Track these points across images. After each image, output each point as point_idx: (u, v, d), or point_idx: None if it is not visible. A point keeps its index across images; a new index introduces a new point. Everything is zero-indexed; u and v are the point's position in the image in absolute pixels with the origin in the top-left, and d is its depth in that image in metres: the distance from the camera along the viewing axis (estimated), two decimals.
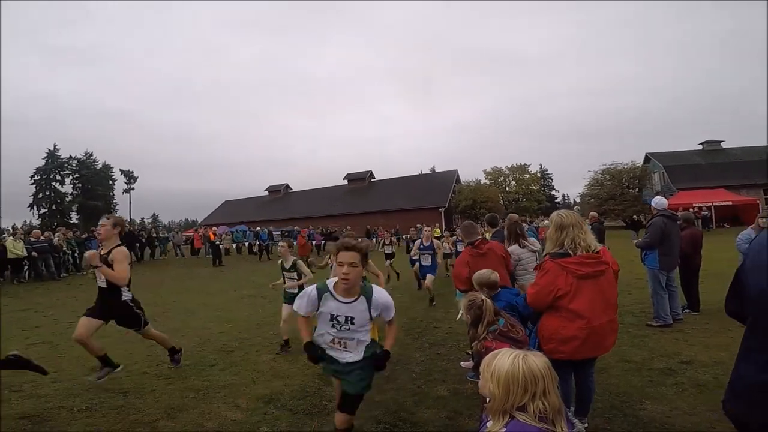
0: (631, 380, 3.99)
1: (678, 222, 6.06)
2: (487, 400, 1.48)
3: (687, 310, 6.34)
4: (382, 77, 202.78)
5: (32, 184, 51.77)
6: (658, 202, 6.16)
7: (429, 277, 8.19)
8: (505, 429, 1.38)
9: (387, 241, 12.38)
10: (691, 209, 14.13)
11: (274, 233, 25.96)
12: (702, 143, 36.63)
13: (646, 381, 3.96)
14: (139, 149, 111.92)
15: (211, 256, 19.60)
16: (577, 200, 49.35)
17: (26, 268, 13.99)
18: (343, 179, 47.17)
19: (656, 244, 5.84)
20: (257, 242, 23.29)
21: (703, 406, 3.37)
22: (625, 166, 34.52)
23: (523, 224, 6.92)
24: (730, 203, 27.61)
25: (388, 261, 11.44)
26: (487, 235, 5.73)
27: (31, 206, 51.85)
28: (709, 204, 26.71)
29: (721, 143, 36.27)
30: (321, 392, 4.00)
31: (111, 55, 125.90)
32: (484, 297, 2.65)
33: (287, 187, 51.66)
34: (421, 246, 8.47)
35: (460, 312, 2.75)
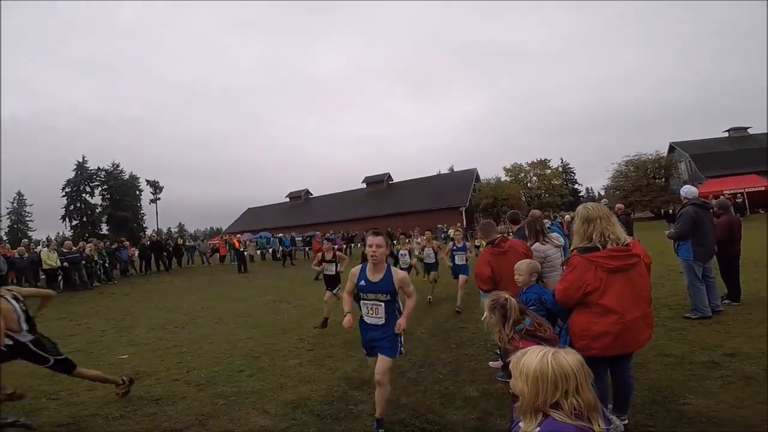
0: (672, 375, 3.83)
1: (710, 210, 5.81)
2: (519, 398, 1.44)
3: (727, 301, 6.05)
4: (392, 77, 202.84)
5: (63, 196, 53.66)
6: (688, 191, 5.95)
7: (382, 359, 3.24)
8: (539, 428, 1.33)
9: (329, 257, 7.36)
10: (721, 196, 13.61)
11: (296, 239, 26.23)
12: (728, 130, 35.48)
13: (688, 375, 3.80)
14: (163, 158, 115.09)
15: (236, 263, 19.89)
16: (602, 193, 48.25)
17: (60, 278, 14.47)
18: (362, 182, 47.36)
19: (688, 234, 5.63)
20: (281, 248, 23.54)
21: (751, 399, 3.22)
22: (650, 157, 33.67)
23: (546, 220, 6.74)
24: (763, 188, 26.50)
25: (331, 290, 7.09)
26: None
27: (63, 218, 53.80)
28: (741, 190, 25.69)
29: (748, 129, 34.93)
30: (347, 397, 3.98)
31: (129, 65, 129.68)
32: (507, 296, 2.58)
33: (308, 192, 52.23)
34: (363, 282, 3.36)
35: (485, 312, 2.66)
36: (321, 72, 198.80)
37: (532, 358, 1.38)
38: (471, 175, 41.85)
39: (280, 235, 26.37)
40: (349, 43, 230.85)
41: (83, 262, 14.90)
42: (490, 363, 4.49)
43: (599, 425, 1.33)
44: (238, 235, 25.65)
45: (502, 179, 45.55)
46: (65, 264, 14.29)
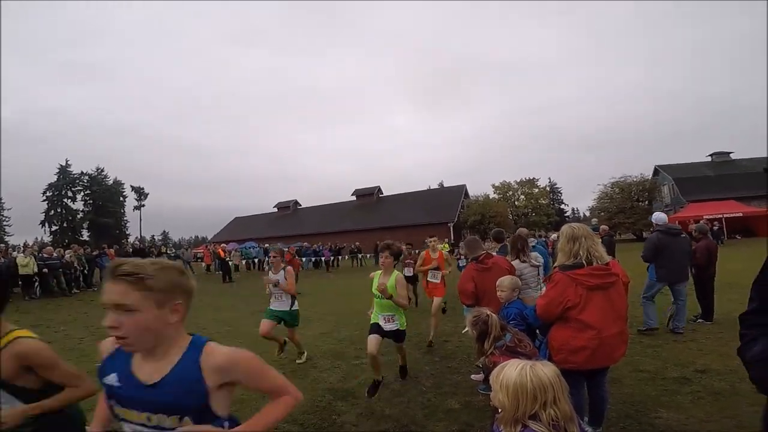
0: (645, 389, 3.95)
1: (678, 235, 6.10)
2: (499, 410, 1.50)
3: (701, 320, 6.32)
4: (386, 91, 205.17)
5: (44, 200, 52.27)
6: (657, 217, 6.36)
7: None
8: None
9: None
10: (701, 221, 14.04)
11: (283, 250, 26.11)
12: (711, 155, 36.42)
13: (661, 390, 3.91)
14: (149, 165, 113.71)
15: (220, 272, 19.70)
16: (587, 214, 49.11)
17: (36, 284, 14.14)
18: (352, 195, 47.43)
19: (650, 258, 6.03)
20: (266, 258, 23.41)
21: (719, 414, 3.33)
22: (635, 179, 34.43)
23: (532, 238, 6.92)
24: (741, 214, 27.30)
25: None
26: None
27: (42, 223, 52.34)
28: (720, 216, 26.37)
29: (731, 154, 36.01)
30: (331, 407, 3.99)
31: (117, 71, 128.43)
32: (489, 312, 2.65)
33: (296, 203, 52.04)
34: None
35: (467, 327, 2.74)
36: (315, 84, 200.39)
37: (511, 371, 1.44)
38: (460, 191, 42.27)
39: (266, 245, 26.25)
40: (343, 57, 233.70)
41: (61, 269, 14.62)
42: (473, 376, 4.55)
43: None
44: (224, 245, 25.45)
45: (491, 196, 46.06)
46: (44, 270, 14.02)
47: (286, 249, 26.15)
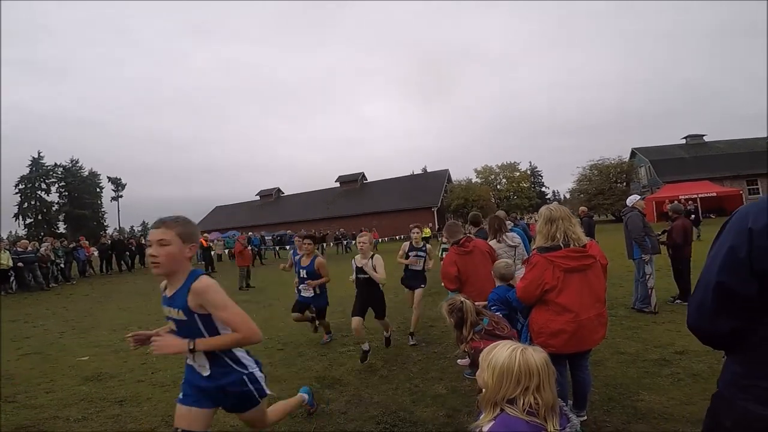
0: (627, 372, 4.03)
1: (626, 215, 6.49)
2: (482, 390, 1.48)
3: (678, 301, 6.46)
4: (369, 81, 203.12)
5: (16, 193, 50.83)
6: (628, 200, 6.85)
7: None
8: (493, 422, 1.38)
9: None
10: (676, 201, 14.42)
11: (266, 238, 25.90)
12: (685, 137, 37.22)
13: (642, 372, 4.00)
14: (126, 156, 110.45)
15: (203, 262, 19.42)
16: (567, 196, 49.90)
17: (12, 278, 13.75)
18: (335, 181, 47.13)
19: None
20: (249, 247, 23.11)
21: (699, 395, 3.40)
22: (612, 162, 35.04)
23: (509, 222, 7.04)
24: (715, 194, 28.16)
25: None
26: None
27: (16, 216, 50.99)
28: (695, 196, 27.12)
29: (704, 137, 36.90)
30: (319, 395, 3.99)
31: (93, 68, 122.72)
32: (463, 299, 2.65)
33: (279, 190, 51.45)
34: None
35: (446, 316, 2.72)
36: (297, 76, 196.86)
37: (502, 352, 1.41)
38: (443, 176, 42.42)
39: (250, 233, 25.96)
40: (323, 47, 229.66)
41: (36, 262, 14.23)
42: (459, 361, 4.57)
43: (554, 426, 1.36)
44: (206, 234, 25.04)
45: (473, 181, 46.34)
46: (18, 264, 13.61)
47: (270, 236, 25.89)
